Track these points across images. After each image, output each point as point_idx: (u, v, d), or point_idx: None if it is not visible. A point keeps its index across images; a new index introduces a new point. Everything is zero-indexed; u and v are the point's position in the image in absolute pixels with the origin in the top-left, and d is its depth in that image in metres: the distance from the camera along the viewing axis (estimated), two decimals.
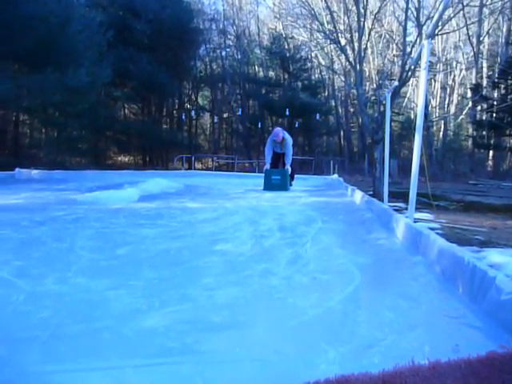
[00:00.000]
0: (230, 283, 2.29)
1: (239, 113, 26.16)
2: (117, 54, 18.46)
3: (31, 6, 12.41)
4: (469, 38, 23.92)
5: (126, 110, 26.81)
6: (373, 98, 19.58)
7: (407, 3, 12.04)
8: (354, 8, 12.05)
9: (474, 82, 23.63)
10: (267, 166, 9.21)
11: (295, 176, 10.10)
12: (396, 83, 8.86)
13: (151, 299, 1.98)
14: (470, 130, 25.72)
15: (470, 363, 0.88)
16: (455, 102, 28.98)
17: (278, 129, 9.62)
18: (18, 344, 1.52)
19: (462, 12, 16.12)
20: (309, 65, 28.48)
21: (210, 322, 1.74)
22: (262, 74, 29.89)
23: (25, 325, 1.68)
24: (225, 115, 30.27)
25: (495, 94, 22.41)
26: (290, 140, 9.43)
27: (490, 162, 24.73)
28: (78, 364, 1.39)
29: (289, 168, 9.13)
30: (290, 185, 9.33)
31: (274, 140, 9.29)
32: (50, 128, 20.28)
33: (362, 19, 11.93)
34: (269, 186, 8.74)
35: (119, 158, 26.63)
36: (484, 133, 22.47)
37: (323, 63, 27.64)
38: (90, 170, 14.49)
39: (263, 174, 9.14)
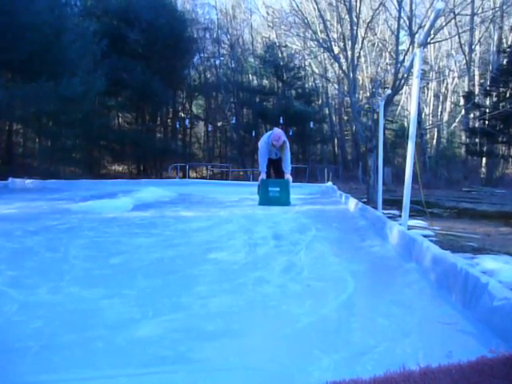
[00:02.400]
0: (223, 291, 2.29)
1: (233, 121, 26.20)
2: (111, 63, 18.45)
3: (25, 16, 12.43)
4: (461, 47, 24.10)
5: (120, 119, 26.77)
6: (366, 106, 19.63)
7: (399, 12, 12.13)
8: (347, 17, 12.13)
9: (466, 89, 23.78)
10: (263, 176, 7.56)
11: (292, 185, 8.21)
12: (389, 91, 8.90)
13: (145, 308, 1.98)
14: (463, 138, 25.85)
15: (461, 368, 0.88)
16: (448, 109, 29.14)
17: (278, 130, 7.76)
18: (11, 354, 1.51)
19: (453, 21, 16.26)
20: (302, 73, 28.57)
21: (204, 330, 1.74)
22: (255, 82, 29.95)
23: (18, 335, 1.67)
24: (219, 124, 30.28)
25: (487, 102, 22.52)
26: (288, 143, 7.80)
27: (483, 169, 24.82)
28: (71, 374, 1.38)
29: (289, 177, 7.59)
30: None
31: (272, 144, 7.54)
32: (43, 137, 20.22)
33: (355, 28, 12.02)
34: (266, 200, 7.27)
35: (113, 167, 26.57)
36: (477, 140, 22.58)
37: (317, 71, 27.74)
38: (84, 179, 14.45)
39: (258, 185, 7.75)
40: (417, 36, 10.38)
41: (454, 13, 12.93)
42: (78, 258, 3.03)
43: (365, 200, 9.32)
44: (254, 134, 25.58)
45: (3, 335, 1.68)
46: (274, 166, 8.03)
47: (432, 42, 14.60)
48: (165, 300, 2.11)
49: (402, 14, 12.38)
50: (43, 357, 1.49)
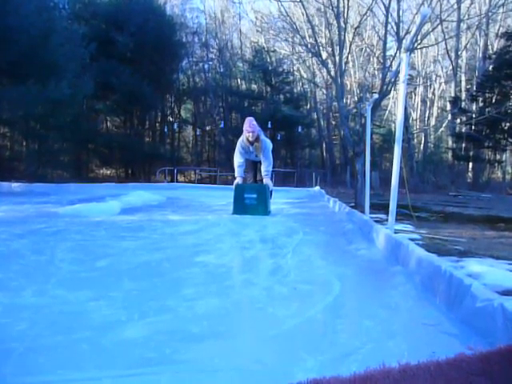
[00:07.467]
0: (210, 294, 2.29)
1: (222, 125, 26.22)
2: (99, 66, 18.41)
3: (13, 19, 12.36)
4: (447, 53, 24.35)
5: (109, 123, 26.71)
6: (354, 110, 19.76)
7: (387, 18, 12.22)
8: (335, 22, 12.19)
9: (452, 95, 24.00)
10: (239, 180, 6.65)
11: (274, 191, 7.46)
12: (376, 96, 8.95)
13: (131, 310, 1.97)
14: (450, 143, 26.10)
15: (439, 365, 0.90)
16: (435, 114, 29.40)
17: (249, 119, 6.59)
18: None
19: (440, 27, 16.45)
20: (291, 78, 28.65)
21: (190, 332, 1.74)
22: (244, 86, 30.01)
23: (1, 337, 1.66)
24: (207, 128, 30.29)
25: (474, 107, 22.78)
26: (268, 143, 6.74)
27: (470, 174, 25.09)
28: (56, 376, 1.37)
29: (269, 182, 6.65)
30: None
31: (247, 138, 6.50)
32: (31, 140, 20.09)
33: (343, 33, 12.08)
34: (240, 209, 6.34)
35: (101, 171, 26.49)
36: (463, 145, 22.82)
37: (305, 76, 27.86)
38: (72, 182, 14.37)
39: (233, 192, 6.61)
40: (404, 41, 10.47)
41: (441, 19, 13.08)
42: (65, 260, 3.01)
43: (352, 204, 9.35)
44: None
45: None
46: (257, 168, 7.08)
47: (419, 47, 14.74)
48: (151, 302, 2.11)
49: (390, 20, 12.49)
50: (28, 358, 1.48)
